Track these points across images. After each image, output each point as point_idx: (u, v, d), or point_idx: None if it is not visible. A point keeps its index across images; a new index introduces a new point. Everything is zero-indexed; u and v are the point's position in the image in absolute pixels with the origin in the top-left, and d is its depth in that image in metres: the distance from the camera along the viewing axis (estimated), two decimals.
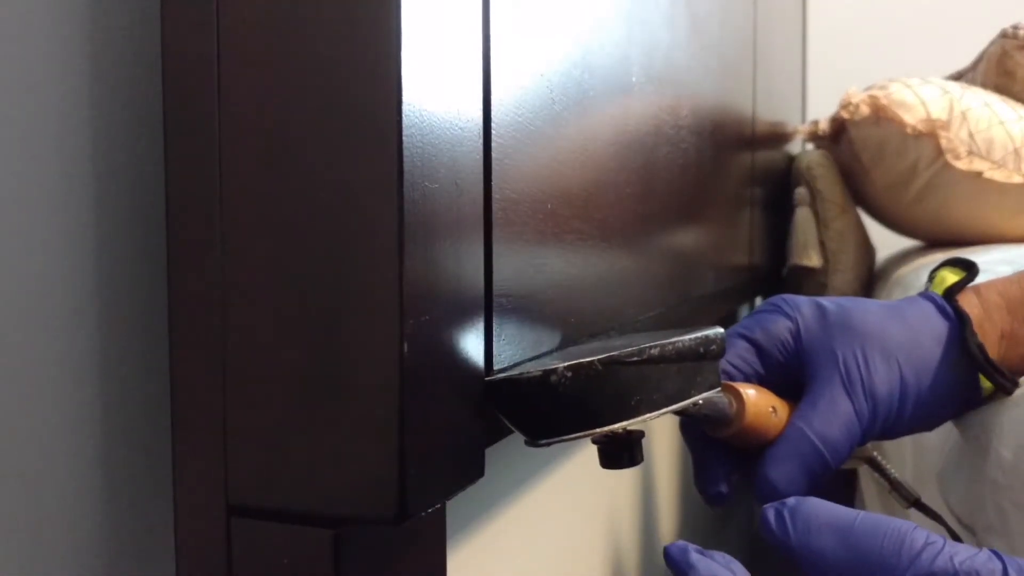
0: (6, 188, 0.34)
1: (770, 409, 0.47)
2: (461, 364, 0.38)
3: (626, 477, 0.94)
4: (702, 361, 0.41)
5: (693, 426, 0.50)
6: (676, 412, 0.42)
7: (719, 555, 0.39)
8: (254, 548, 0.36)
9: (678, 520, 1.18)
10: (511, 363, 0.42)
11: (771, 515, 0.38)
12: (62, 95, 0.36)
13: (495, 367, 0.41)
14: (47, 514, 0.36)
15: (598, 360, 0.37)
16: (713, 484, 0.49)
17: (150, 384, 0.40)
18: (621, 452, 0.41)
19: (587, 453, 0.81)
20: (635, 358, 0.38)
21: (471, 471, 0.40)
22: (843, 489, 1.26)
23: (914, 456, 0.75)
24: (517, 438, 0.45)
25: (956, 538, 0.49)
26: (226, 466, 0.36)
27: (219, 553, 0.36)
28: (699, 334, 0.42)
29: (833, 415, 0.46)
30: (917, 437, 0.72)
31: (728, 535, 1.53)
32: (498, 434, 0.44)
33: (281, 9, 0.34)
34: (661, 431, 1.08)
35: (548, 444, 0.39)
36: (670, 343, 0.40)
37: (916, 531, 0.36)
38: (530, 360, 0.44)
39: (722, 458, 0.49)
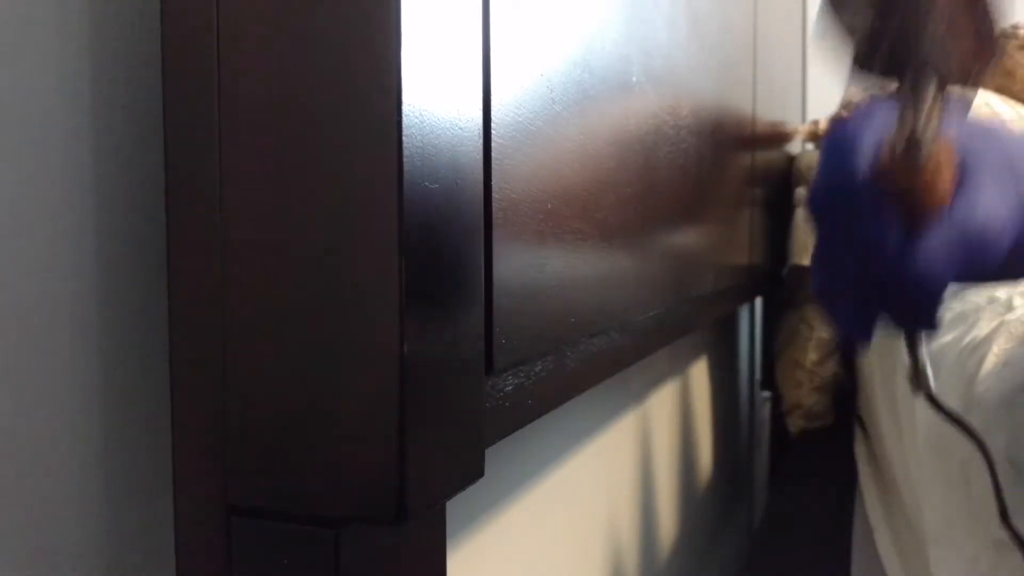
0: (6, 188, 0.34)
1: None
2: (461, 364, 0.38)
3: (626, 477, 0.94)
4: None
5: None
6: None
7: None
8: (254, 548, 0.36)
9: (678, 520, 1.18)
10: (512, 363, 0.42)
11: None
12: (62, 95, 0.36)
13: (495, 367, 0.41)
14: (47, 514, 0.36)
15: None
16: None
17: (150, 384, 0.40)
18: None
19: (587, 453, 0.81)
20: None
21: (471, 471, 0.40)
22: (843, 493, 1.26)
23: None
24: (516, 438, 0.45)
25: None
26: (226, 466, 0.36)
27: (219, 553, 0.36)
28: None
29: (988, 200, 0.44)
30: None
31: (728, 535, 1.53)
32: (498, 434, 0.44)
33: (281, 9, 0.34)
34: (661, 432, 1.08)
35: None
36: None
37: None
38: (531, 360, 0.44)
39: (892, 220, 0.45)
